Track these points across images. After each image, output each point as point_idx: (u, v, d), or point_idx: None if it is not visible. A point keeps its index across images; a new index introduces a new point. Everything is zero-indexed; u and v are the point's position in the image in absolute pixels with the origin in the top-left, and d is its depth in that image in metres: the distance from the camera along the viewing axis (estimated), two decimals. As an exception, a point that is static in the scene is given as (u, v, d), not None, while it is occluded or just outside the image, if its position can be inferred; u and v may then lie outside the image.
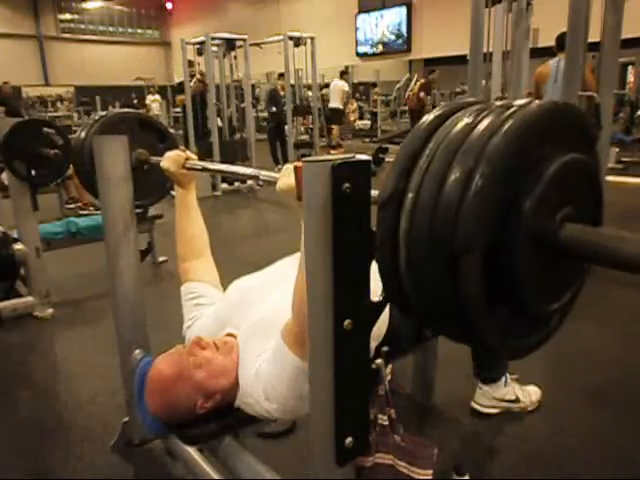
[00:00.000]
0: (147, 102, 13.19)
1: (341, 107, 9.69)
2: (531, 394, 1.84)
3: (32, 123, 2.67)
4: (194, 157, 1.45)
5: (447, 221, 0.53)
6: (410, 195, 0.57)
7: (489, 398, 1.80)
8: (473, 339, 0.60)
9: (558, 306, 0.64)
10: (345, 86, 9.92)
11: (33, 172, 2.59)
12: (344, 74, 10.52)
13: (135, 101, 16.10)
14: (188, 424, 1.16)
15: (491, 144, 0.52)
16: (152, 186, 1.75)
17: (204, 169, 1.39)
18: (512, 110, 0.56)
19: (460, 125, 0.57)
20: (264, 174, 1.10)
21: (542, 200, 0.55)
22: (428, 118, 0.61)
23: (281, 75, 8.14)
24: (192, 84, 6.50)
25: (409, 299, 0.61)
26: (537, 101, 0.58)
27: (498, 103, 0.61)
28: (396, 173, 0.60)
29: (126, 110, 1.77)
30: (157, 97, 12.12)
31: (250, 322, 1.22)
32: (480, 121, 0.56)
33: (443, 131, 0.59)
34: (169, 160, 1.41)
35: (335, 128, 9.61)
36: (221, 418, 1.17)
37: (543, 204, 0.55)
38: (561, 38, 4.19)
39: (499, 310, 0.58)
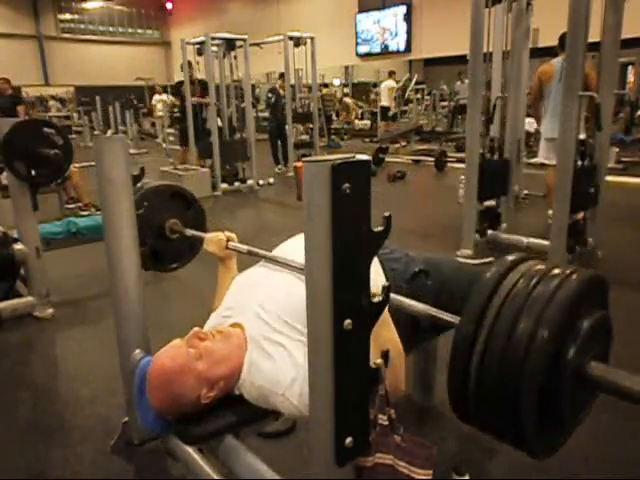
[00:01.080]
0: (153, 102, 13.11)
1: (388, 105, 10.55)
2: None
3: (32, 123, 2.66)
4: (234, 237, 1.55)
5: (515, 362, 0.70)
6: (481, 341, 0.73)
7: None
8: (523, 449, 0.78)
9: (581, 417, 0.85)
10: (394, 85, 10.70)
11: (33, 172, 2.59)
12: (392, 74, 11.29)
13: (135, 102, 16.08)
14: (192, 417, 1.16)
15: (549, 310, 0.70)
16: (181, 250, 1.87)
17: (249, 253, 1.47)
18: (561, 279, 0.73)
19: (520, 287, 0.74)
20: (296, 263, 1.20)
21: (580, 348, 0.73)
22: (489, 276, 0.78)
23: (282, 75, 8.13)
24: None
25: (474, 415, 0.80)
26: (577, 273, 0.74)
27: (542, 267, 0.77)
28: (468, 321, 0.76)
29: (159, 183, 1.90)
30: (163, 97, 12.05)
31: (256, 309, 1.24)
32: (536, 286, 0.73)
33: (504, 289, 0.76)
34: (212, 243, 1.53)
35: (382, 125, 10.34)
36: (221, 417, 1.17)
37: (580, 351, 0.73)
38: (564, 38, 4.19)
39: (544, 426, 0.75)
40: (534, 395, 0.70)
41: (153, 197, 1.74)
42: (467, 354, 0.73)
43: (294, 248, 1.38)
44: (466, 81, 5.44)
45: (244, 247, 1.49)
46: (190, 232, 1.72)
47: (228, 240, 1.52)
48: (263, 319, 1.21)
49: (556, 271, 0.75)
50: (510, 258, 0.80)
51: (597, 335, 0.79)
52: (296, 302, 1.13)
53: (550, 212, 4.42)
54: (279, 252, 1.46)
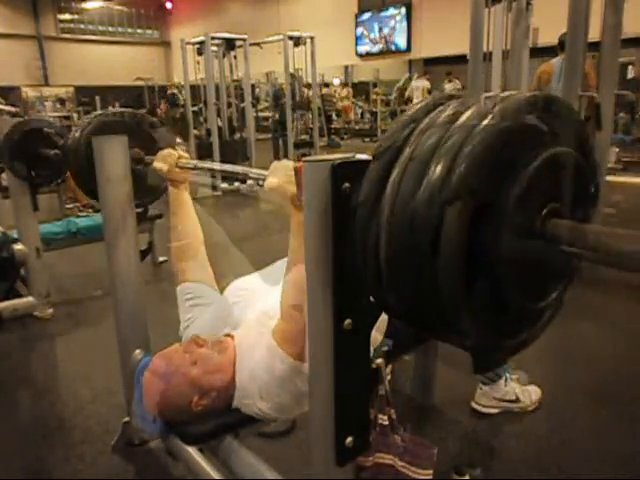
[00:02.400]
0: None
1: None
2: (531, 394, 1.83)
3: (32, 123, 2.66)
4: (186, 155, 1.43)
5: (439, 173, 0.53)
6: (406, 151, 0.58)
7: (489, 398, 1.80)
8: (448, 324, 0.58)
9: (546, 304, 0.65)
10: (427, 84, 11.10)
11: (33, 173, 2.60)
12: (427, 73, 11.92)
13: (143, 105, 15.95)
14: (186, 423, 1.16)
15: (479, 127, 0.54)
16: (149, 185, 1.71)
17: (196, 167, 1.38)
18: (499, 100, 0.58)
19: (457, 108, 0.60)
20: (255, 172, 1.08)
21: (526, 195, 0.56)
22: (423, 101, 0.65)
23: (293, 76, 8.23)
24: None
25: (382, 269, 0.59)
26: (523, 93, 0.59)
27: (484, 96, 0.63)
28: (394, 131, 0.61)
29: (122, 110, 1.77)
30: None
31: (247, 323, 1.23)
32: (467, 109, 0.58)
33: (442, 108, 0.61)
34: (161, 159, 1.39)
35: None
36: (221, 416, 1.17)
37: (528, 199, 0.56)
38: (564, 39, 4.20)
39: (478, 288, 0.56)
40: (463, 208, 0.52)
41: (114, 124, 1.62)
42: (380, 181, 0.59)
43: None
44: (455, 81, 5.44)
45: (193, 162, 1.40)
46: (149, 158, 1.52)
47: (179, 157, 1.39)
48: (253, 334, 1.19)
49: (498, 95, 0.60)
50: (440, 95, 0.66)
51: (562, 187, 0.62)
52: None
53: None
54: (274, 267, 1.43)
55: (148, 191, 1.74)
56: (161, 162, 1.39)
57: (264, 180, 0.96)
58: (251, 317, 1.24)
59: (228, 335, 1.24)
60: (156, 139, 1.71)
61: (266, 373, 1.07)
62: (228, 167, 1.27)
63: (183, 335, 1.37)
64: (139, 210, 1.54)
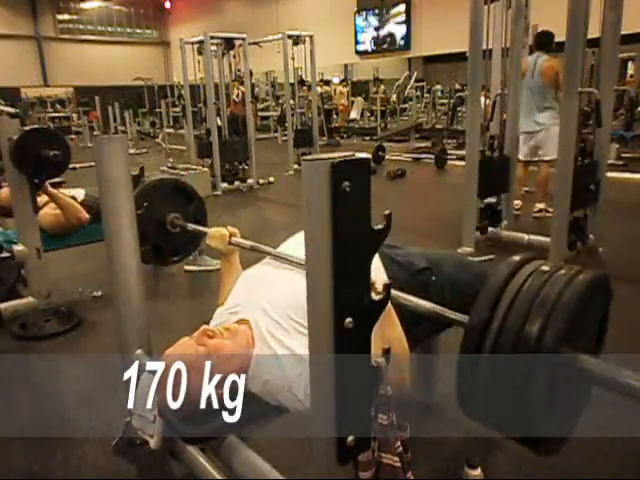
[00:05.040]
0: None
1: None
2: None
3: (39, 129, 2.68)
4: (236, 232, 1.57)
5: (528, 345, 0.72)
6: (493, 334, 0.75)
7: None
8: (530, 439, 0.80)
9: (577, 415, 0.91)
10: None
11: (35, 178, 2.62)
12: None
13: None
14: (199, 415, 1.16)
15: (560, 303, 0.73)
16: (183, 243, 1.91)
17: (252, 248, 1.48)
18: (569, 277, 0.76)
19: (530, 284, 0.77)
20: (296, 259, 1.20)
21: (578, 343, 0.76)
22: (500, 275, 0.80)
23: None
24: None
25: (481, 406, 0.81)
26: (583, 274, 0.77)
27: (549, 267, 0.80)
28: (483, 303, 0.77)
29: (163, 177, 1.94)
30: None
31: (262, 306, 1.25)
32: (544, 284, 0.76)
33: (514, 286, 0.77)
34: (214, 239, 1.55)
35: None
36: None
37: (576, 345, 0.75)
38: (540, 37, 4.23)
39: (550, 417, 0.77)
40: (543, 386, 0.72)
41: (154, 193, 1.75)
42: (476, 349, 0.75)
43: (295, 246, 1.39)
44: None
45: (247, 242, 1.50)
46: (192, 226, 1.73)
47: (231, 235, 1.53)
48: (269, 315, 1.22)
49: (563, 271, 0.78)
50: (517, 258, 0.83)
51: (593, 331, 0.83)
52: (301, 298, 1.13)
53: (537, 206, 4.43)
54: (282, 250, 1.47)
55: (184, 248, 1.94)
56: (215, 242, 1.54)
57: None
58: (265, 299, 1.26)
59: (241, 320, 1.26)
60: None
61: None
62: (279, 253, 1.36)
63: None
64: (140, 211, 1.62)
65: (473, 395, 0.78)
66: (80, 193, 3.11)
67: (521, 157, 4.27)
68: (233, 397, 1.18)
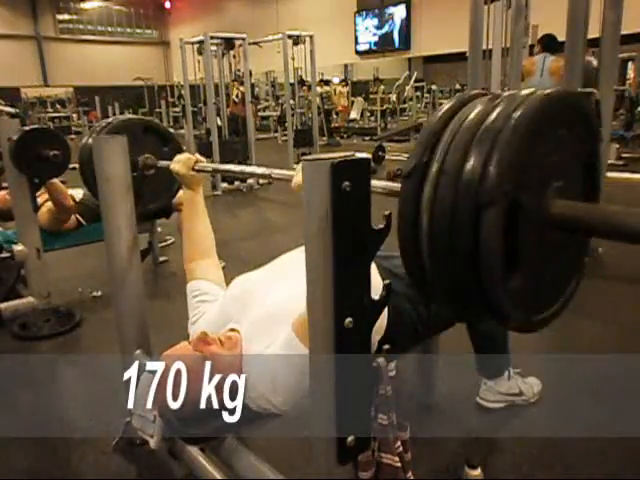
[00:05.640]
0: None
1: None
2: (533, 386, 1.86)
3: (39, 129, 2.68)
4: (203, 160, 1.48)
5: (472, 181, 0.57)
6: (435, 166, 0.61)
7: (494, 393, 1.81)
8: (491, 307, 0.63)
9: (569, 284, 0.71)
10: None
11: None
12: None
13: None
14: (199, 415, 1.16)
15: (506, 126, 0.58)
16: (160, 189, 1.79)
17: (214, 170, 1.41)
18: (522, 98, 0.61)
19: (477, 110, 0.62)
20: (276, 172, 1.10)
21: (535, 178, 0.61)
22: (446, 105, 0.67)
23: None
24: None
25: (427, 270, 0.64)
26: (545, 93, 0.62)
27: (506, 94, 0.65)
28: (420, 148, 0.65)
29: (130, 116, 1.81)
30: None
31: (253, 317, 1.24)
32: (494, 107, 0.61)
33: (461, 115, 0.64)
34: (179, 163, 1.44)
35: None
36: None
37: (536, 182, 0.61)
38: (543, 40, 4.25)
39: (514, 277, 0.62)
40: (497, 212, 0.57)
41: (123, 130, 1.60)
42: (417, 188, 0.63)
43: (291, 259, 1.39)
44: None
45: (211, 165, 1.44)
46: (161, 163, 1.61)
47: (197, 161, 1.45)
48: (259, 328, 1.20)
49: (521, 92, 0.63)
50: (471, 92, 0.69)
51: (570, 172, 0.67)
52: (293, 313, 1.13)
53: None
54: (279, 261, 1.45)
55: (159, 195, 1.82)
56: (179, 166, 1.44)
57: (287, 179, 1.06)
58: (255, 311, 1.24)
59: (233, 330, 1.24)
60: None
61: (283, 367, 1.06)
62: (248, 168, 1.29)
63: (190, 330, 1.37)
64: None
65: (422, 267, 0.64)
66: (78, 193, 3.12)
67: None
68: (233, 397, 1.18)
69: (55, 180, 2.79)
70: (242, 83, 7.12)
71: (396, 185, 0.80)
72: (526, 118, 0.58)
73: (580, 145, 0.67)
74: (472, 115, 0.62)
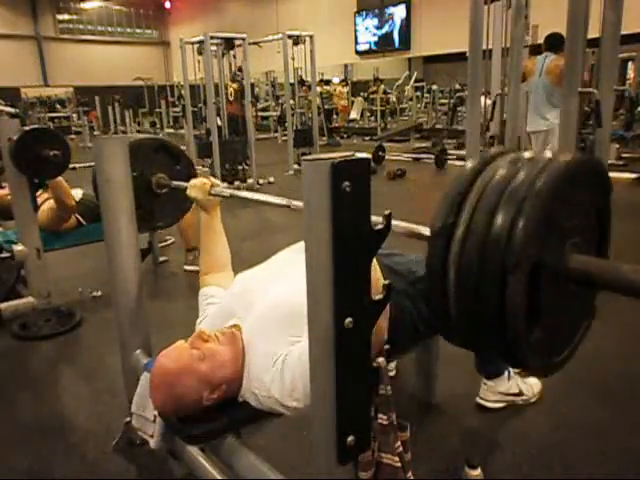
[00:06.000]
0: None
1: None
2: (533, 386, 1.86)
3: (39, 129, 2.68)
4: (218, 183, 1.50)
5: (498, 245, 0.61)
6: (461, 227, 0.65)
7: (494, 393, 1.81)
8: (512, 356, 0.68)
9: (581, 329, 0.77)
10: None
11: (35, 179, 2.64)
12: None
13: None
14: (193, 418, 1.16)
15: (530, 193, 0.62)
16: (172, 207, 1.81)
17: (232, 196, 1.43)
18: (545, 163, 0.65)
19: (501, 173, 0.66)
20: (295, 204, 1.12)
21: (555, 238, 0.65)
22: (471, 165, 0.70)
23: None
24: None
25: (453, 319, 0.68)
26: (565, 156, 0.66)
27: (527, 155, 0.69)
28: (447, 208, 0.67)
29: (144, 136, 1.82)
30: None
31: (255, 313, 1.24)
32: (517, 171, 0.65)
33: (485, 176, 0.67)
34: (195, 189, 1.47)
35: None
36: (224, 412, 1.17)
37: (556, 242, 0.65)
38: (549, 39, 4.25)
39: (535, 330, 0.66)
40: (519, 287, 0.61)
41: (138, 152, 1.63)
42: (444, 247, 0.65)
43: (293, 253, 1.40)
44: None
45: (227, 191, 1.45)
46: (175, 183, 1.64)
47: (212, 185, 1.47)
48: (261, 324, 1.21)
49: (543, 156, 0.67)
50: (492, 150, 0.72)
51: (587, 227, 0.72)
52: (294, 307, 1.13)
53: None
54: (279, 256, 1.46)
55: (172, 212, 1.83)
56: (195, 191, 1.47)
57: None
58: (258, 308, 1.25)
59: (234, 326, 1.25)
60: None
61: (303, 373, 1.03)
62: (267, 198, 1.31)
63: (197, 329, 1.38)
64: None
65: (448, 318, 0.67)
66: (78, 193, 3.12)
67: None
68: (232, 395, 1.18)
69: (60, 178, 2.80)
70: (234, 81, 7.05)
71: (418, 228, 0.88)
72: (549, 185, 0.61)
73: (593, 201, 0.72)
74: (496, 178, 0.65)
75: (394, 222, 0.83)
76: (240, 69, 6.79)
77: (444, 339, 0.71)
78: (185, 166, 1.80)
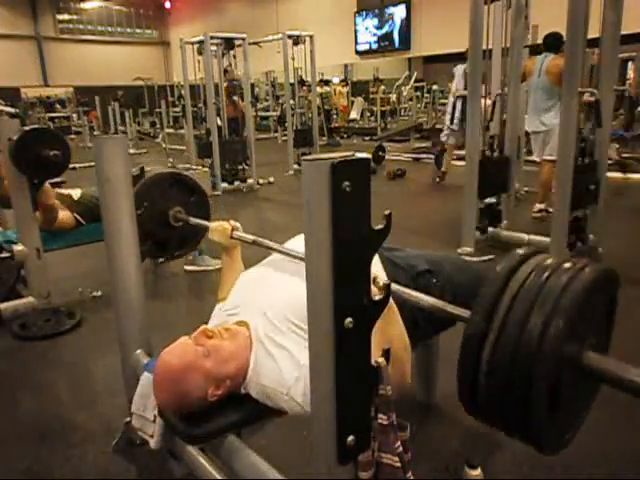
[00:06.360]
0: None
1: None
2: None
3: (39, 129, 2.69)
4: (239, 226, 1.54)
5: (528, 353, 0.69)
6: (493, 334, 0.71)
7: None
8: (533, 440, 0.76)
9: (585, 411, 0.88)
10: None
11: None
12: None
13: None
14: (194, 417, 1.16)
15: (557, 312, 0.68)
16: (186, 237, 1.87)
17: (254, 242, 1.47)
18: (572, 273, 0.72)
19: (530, 285, 0.73)
20: (298, 252, 1.17)
21: (576, 342, 0.73)
22: (501, 271, 0.76)
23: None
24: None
25: (481, 405, 0.77)
26: (589, 267, 0.74)
27: (552, 262, 0.76)
28: (481, 314, 0.73)
29: (159, 170, 1.93)
30: None
31: (265, 309, 1.24)
32: (545, 283, 0.72)
33: (513, 286, 0.74)
34: (217, 233, 1.53)
35: None
36: (225, 412, 1.17)
37: (576, 345, 0.73)
38: (547, 38, 4.25)
39: (554, 417, 0.74)
40: (545, 386, 0.70)
41: (155, 186, 1.74)
42: (478, 347, 0.73)
43: (297, 245, 1.39)
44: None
45: (249, 237, 1.49)
46: (194, 220, 1.71)
47: (233, 229, 1.52)
48: (268, 318, 1.22)
49: (567, 265, 0.75)
50: (520, 252, 0.80)
51: (600, 326, 0.82)
52: (301, 302, 1.13)
53: (537, 206, 4.44)
54: (277, 256, 1.47)
55: (186, 243, 1.90)
56: (217, 235, 1.53)
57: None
58: (265, 304, 1.25)
59: (240, 322, 1.25)
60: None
61: None
62: (279, 247, 1.35)
63: None
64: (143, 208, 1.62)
65: (476, 400, 0.76)
66: (76, 192, 3.12)
67: (536, 158, 4.34)
68: (232, 398, 1.18)
69: (52, 202, 2.82)
70: (226, 79, 6.97)
71: (448, 306, 0.95)
72: (575, 301, 0.69)
73: (605, 302, 0.83)
74: (526, 290, 0.72)
75: (430, 300, 0.99)
76: (226, 70, 6.75)
77: (467, 411, 0.81)
78: (199, 197, 1.87)
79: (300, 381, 1.09)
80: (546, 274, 0.73)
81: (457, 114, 5.63)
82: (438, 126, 10.53)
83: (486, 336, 0.72)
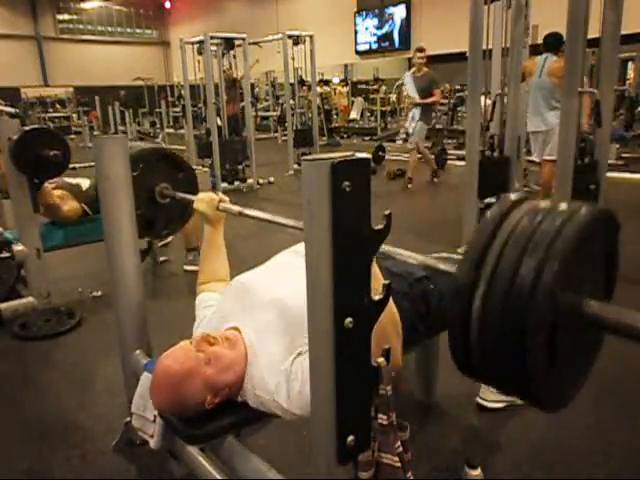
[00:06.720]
0: None
1: None
2: None
3: (39, 129, 2.69)
4: (226, 199, 1.50)
5: (521, 305, 0.64)
6: (483, 283, 0.67)
7: (494, 393, 1.81)
8: (530, 396, 0.72)
9: (588, 366, 0.82)
10: None
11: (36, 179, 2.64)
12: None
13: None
14: (193, 420, 1.16)
15: (556, 244, 0.64)
16: (173, 216, 1.82)
17: (240, 214, 1.43)
18: (567, 216, 0.68)
19: (523, 225, 0.69)
20: (291, 222, 1.13)
21: (573, 289, 0.68)
22: (489, 218, 0.73)
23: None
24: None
25: (475, 363, 0.71)
26: (585, 209, 0.69)
27: (545, 205, 0.71)
28: (468, 264, 0.69)
29: (144, 146, 1.83)
30: None
31: (256, 316, 1.24)
32: (535, 230, 0.67)
33: (507, 228, 0.69)
34: (203, 203, 1.48)
35: None
36: (225, 413, 1.17)
37: (573, 294, 0.68)
38: (547, 39, 4.25)
39: (552, 372, 0.69)
40: (541, 337, 0.66)
41: (139, 161, 1.65)
42: (468, 300, 0.68)
43: (289, 257, 1.41)
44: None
45: (235, 208, 1.44)
46: (180, 195, 1.65)
47: (220, 201, 1.48)
48: (261, 326, 1.21)
49: (562, 207, 0.70)
50: (512, 196, 0.75)
51: (599, 273, 0.77)
52: (294, 309, 1.13)
53: None
54: (278, 258, 1.46)
55: (173, 220, 1.84)
56: (203, 206, 1.47)
57: None
58: (259, 311, 1.24)
59: (234, 328, 1.25)
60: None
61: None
62: (277, 218, 1.32)
63: (194, 333, 1.38)
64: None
65: (469, 356, 0.71)
66: (85, 183, 3.14)
67: (536, 158, 4.35)
68: (234, 397, 1.18)
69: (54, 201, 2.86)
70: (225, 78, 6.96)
71: (439, 262, 0.95)
72: (570, 245, 0.65)
73: (603, 246, 0.77)
74: (517, 233, 0.68)
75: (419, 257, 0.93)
76: (224, 71, 6.75)
77: (463, 374, 0.75)
78: (187, 175, 1.80)
79: (281, 386, 1.09)
80: (539, 218, 0.68)
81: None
82: (438, 126, 10.54)
83: (476, 287, 0.68)
